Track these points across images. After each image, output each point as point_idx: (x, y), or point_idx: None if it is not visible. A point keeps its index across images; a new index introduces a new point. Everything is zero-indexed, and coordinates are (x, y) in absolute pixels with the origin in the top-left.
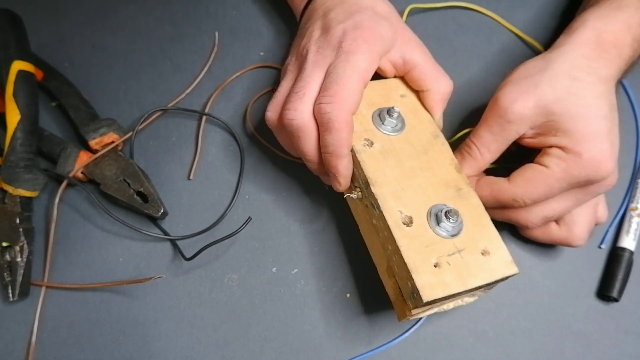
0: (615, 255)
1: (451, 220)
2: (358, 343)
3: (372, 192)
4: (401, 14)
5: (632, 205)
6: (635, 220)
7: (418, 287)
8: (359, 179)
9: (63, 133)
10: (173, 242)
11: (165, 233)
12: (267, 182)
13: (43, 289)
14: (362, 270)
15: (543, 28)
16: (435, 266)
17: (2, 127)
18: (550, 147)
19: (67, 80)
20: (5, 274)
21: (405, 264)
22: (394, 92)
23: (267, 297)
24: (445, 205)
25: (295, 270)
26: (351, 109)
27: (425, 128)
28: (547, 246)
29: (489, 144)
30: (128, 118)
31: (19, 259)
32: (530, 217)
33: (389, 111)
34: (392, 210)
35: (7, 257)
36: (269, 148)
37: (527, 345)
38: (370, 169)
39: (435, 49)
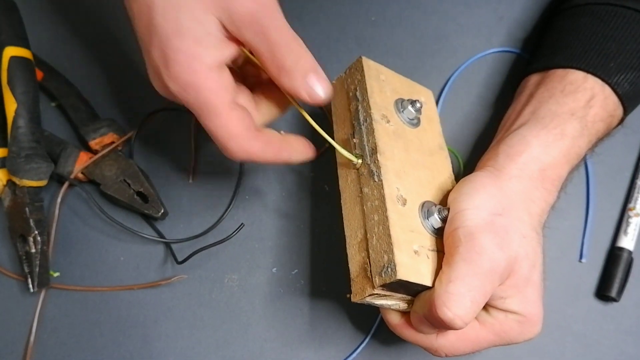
0: (614, 255)
1: (441, 217)
2: (358, 343)
3: (377, 159)
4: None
5: (630, 205)
6: (633, 220)
7: (396, 262)
8: (365, 145)
9: (63, 133)
10: (167, 244)
11: (161, 235)
12: (267, 183)
13: (43, 288)
14: None
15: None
16: (415, 253)
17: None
18: (494, 308)
19: (67, 80)
20: (24, 265)
21: (389, 235)
22: (416, 95)
23: (267, 297)
24: (439, 205)
25: (295, 271)
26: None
27: (434, 137)
28: (545, 248)
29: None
30: (128, 118)
31: (33, 250)
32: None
33: (413, 102)
34: (391, 183)
35: (26, 248)
36: None
37: (526, 346)
38: (381, 139)
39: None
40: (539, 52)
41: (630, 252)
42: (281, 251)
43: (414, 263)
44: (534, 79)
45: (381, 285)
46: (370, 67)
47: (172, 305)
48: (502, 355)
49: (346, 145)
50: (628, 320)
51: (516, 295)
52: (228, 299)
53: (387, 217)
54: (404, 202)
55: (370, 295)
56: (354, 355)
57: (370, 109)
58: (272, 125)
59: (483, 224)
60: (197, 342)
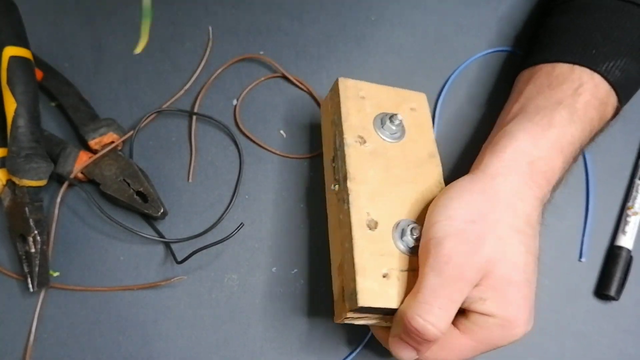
0: (613, 254)
1: (413, 237)
2: (358, 343)
3: (347, 186)
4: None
5: (629, 204)
6: (632, 219)
7: (357, 290)
8: (340, 171)
9: (63, 133)
10: (167, 244)
11: (161, 235)
12: (267, 182)
13: (43, 288)
14: None
15: None
16: (384, 276)
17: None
18: (474, 312)
19: (67, 80)
20: (24, 265)
21: (354, 263)
22: (405, 103)
23: (267, 297)
24: (414, 222)
25: (295, 270)
26: None
27: (424, 145)
28: (545, 247)
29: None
30: (128, 118)
31: (32, 250)
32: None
33: (392, 117)
34: (361, 208)
35: (26, 248)
36: (265, 148)
37: (525, 345)
38: (352, 164)
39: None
40: (528, 50)
41: (629, 251)
42: (281, 251)
43: (380, 288)
44: (523, 76)
45: (350, 310)
46: (348, 87)
47: (172, 305)
48: (501, 356)
49: (329, 169)
50: (627, 319)
51: (495, 298)
52: (228, 298)
53: (352, 245)
54: (375, 226)
55: (347, 317)
56: (354, 355)
57: (343, 133)
58: (271, 124)
59: (454, 232)
60: (197, 342)
